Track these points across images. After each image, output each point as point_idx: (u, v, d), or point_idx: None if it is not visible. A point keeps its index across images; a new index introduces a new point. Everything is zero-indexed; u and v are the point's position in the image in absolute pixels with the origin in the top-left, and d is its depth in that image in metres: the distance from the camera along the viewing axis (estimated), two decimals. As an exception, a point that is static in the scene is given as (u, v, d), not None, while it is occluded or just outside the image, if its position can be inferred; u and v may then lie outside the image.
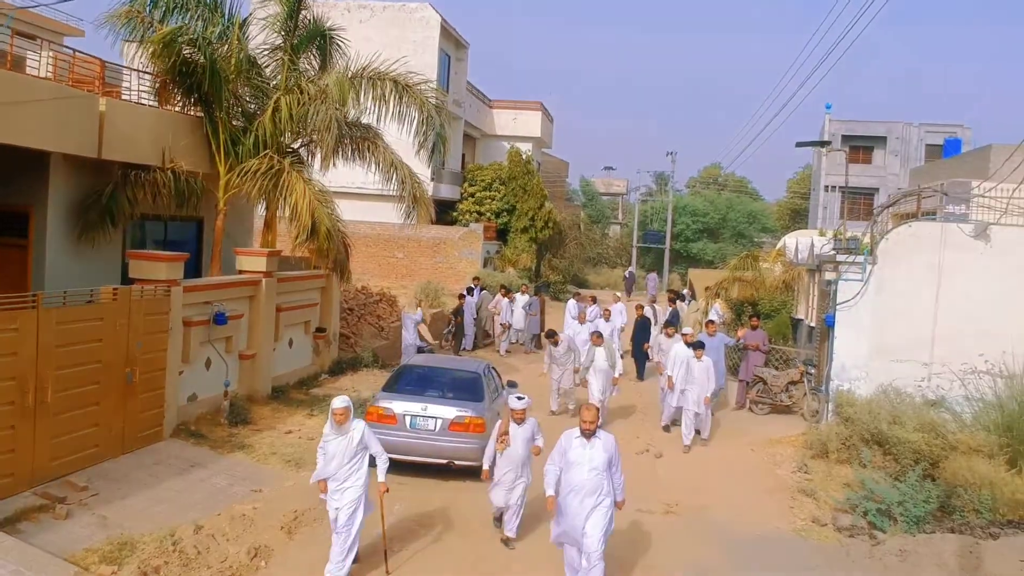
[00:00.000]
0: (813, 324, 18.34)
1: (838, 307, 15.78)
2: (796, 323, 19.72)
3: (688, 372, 15.43)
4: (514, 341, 26.88)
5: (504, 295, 25.61)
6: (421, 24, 37.63)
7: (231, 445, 13.10)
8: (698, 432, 15.58)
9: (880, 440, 14.32)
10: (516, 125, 47.05)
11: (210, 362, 14.31)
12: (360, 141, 17.22)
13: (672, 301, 24.19)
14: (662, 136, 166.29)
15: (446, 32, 38.93)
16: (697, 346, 15.53)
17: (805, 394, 16.65)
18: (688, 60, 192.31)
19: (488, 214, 39.08)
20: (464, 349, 24.98)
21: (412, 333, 20.15)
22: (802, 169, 78.64)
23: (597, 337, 16.87)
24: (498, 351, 25.16)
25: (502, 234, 39.75)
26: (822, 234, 23.31)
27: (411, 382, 13.08)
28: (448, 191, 39.30)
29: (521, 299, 26.36)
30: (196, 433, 13.28)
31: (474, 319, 25.23)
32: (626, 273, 52.85)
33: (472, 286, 27.19)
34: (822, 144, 19.61)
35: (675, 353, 15.82)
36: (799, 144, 19.29)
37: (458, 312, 24.32)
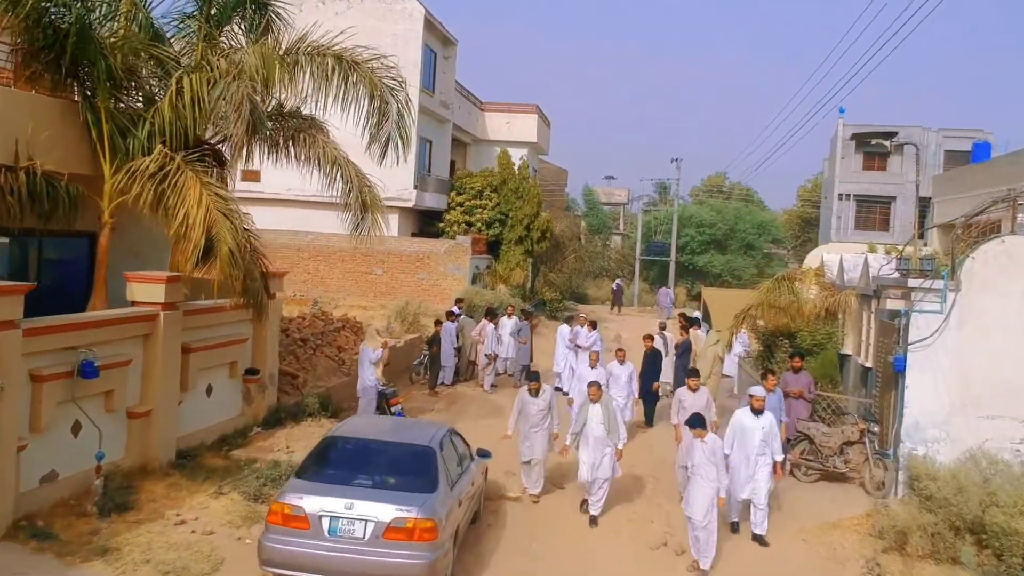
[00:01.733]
0: (868, 364, 14.69)
1: (910, 347, 12.13)
2: (842, 359, 16.09)
3: (742, 438, 11.52)
4: (500, 372, 23.22)
5: (489, 320, 21.92)
6: (403, 16, 34.05)
7: (89, 549, 9.39)
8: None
9: (975, 528, 10.69)
10: (510, 129, 43.44)
11: (79, 427, 10.65)
12: (295, 133, 13.53)
13: (684, 329, 20.50)
14: (664, 145, 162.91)
15: (431, 26, 35.38)
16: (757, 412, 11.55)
17: (867, 459, 12.93)
18: (692, 66, 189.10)
19: (479, 225, 35.47)
20: (442, 384, 21.33)
21: (371, 372, 16.49)
22: (814, 177, 75.28)
23: (595, 389, 12.34)
24: (482, 386, 21.49)
25: (494, 247, 36.13)
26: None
27: (335, 463, 9.34)
28: (433, 200, 35.70)
29: (508, 323, 22.69)
30: (43, 531, 9.58)
31: (455, 349, 21.56)
32: (613, 285, 48.88)
33: (455, 309, 23.52)
34: (886, 136, 15.57)
35: (739, 425, 11.54)
36: (856, 136, 15.55)
37: (434, 341, 20.64)
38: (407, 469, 9.24)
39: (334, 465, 9.27)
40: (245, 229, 11.81)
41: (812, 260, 19.88)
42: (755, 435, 11.37)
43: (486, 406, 19.79)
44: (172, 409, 12.38)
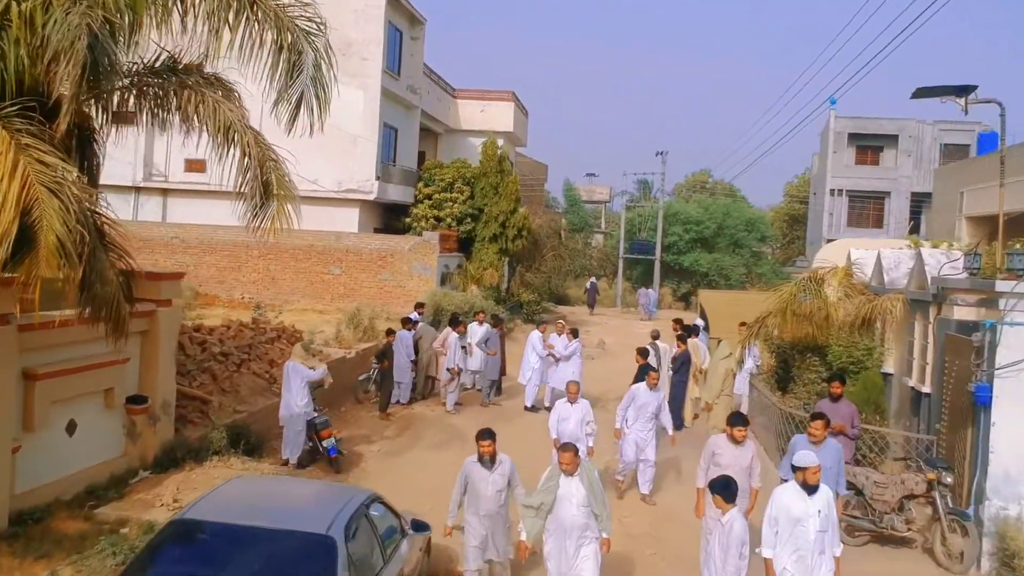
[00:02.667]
0: (924, 389, 11.65)
1: (998, 372, 9.08)
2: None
3: (790, 531, 7.60)
4: (468, 387, 20.07)
5: (453, 328, 18.72)
6: (364, -12, 30.82)
7: None
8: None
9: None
10: (484, 118, 40.19)
11: None
12: (177, 89, 10.22)
13: (681, 339, 17.41)
14: (646, 142, 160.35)
15: (397, 3, 32.14)
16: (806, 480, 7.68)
17: (938, 519, 9.80)
18: (677, 61, 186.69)
19: (449, 220, 32.26)
20: (398, 403, 18.15)
21: (302, 396, 13.28)
22: (803, 173, 72.63)
23: (571, 456, 8.13)
24: (444, 405, 18.30)
25: (466, 245, 32.95)
26: (916, 244, 16.55)
27: (179, 564, 6.16)
28: (399, 193, 32.45)
29: (477, 331, 19.52)
30: None
31: (412, 362, 18.37)
32: (587, 284, 45.75)
33: (413, 315, 20.31)
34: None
35: (784, 510, 7.61)
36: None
37: (385, 354, 17.43)
38: (292, 572, 6.05)
39: (176, 570, 6.04)
40: (92, 212, 8.55)
41: (831, 256, 16.86)
42: (809, 525, 7.50)
43: (447, 431, 16.62)
44: (4, 457, 9.12)
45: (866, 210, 57.92)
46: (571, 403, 12.22)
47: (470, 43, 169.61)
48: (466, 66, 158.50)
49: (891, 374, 12.85)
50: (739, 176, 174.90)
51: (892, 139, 56.40)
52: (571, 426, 11.92)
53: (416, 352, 18.50)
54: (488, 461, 8.60)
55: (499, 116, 40.61)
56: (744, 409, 15.99)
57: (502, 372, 19.82)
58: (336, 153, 30.49)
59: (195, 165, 30.19)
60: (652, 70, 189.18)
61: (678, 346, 17.19)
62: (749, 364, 15.51)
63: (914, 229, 55.90)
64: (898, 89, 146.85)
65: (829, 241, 55.59)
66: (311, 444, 13.29)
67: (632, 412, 12.45)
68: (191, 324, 16.52)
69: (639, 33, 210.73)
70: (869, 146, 57.47)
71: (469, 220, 32.63)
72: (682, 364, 16.54)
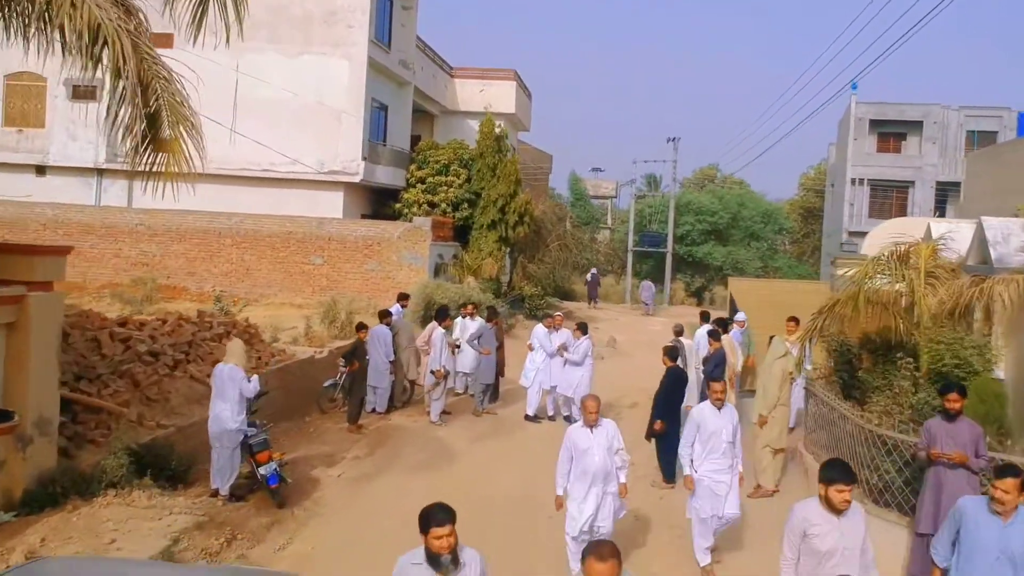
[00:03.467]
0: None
1: None
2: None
3: None
4: (460, 392, 17.15)
5: (439, 322, 15.75)
6: (349, -50, 27.87)
7: None
8: None
9: None
10: (484, 99, 36.99)
11: None
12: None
13: (714, 336, 14.39)
14: (651, 137, 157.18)
15: (385, -36, 29.28)
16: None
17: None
18: (681, 52, 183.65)
19: (444, 206, 29.31)
20: (373, 412, 15.20)
21: (238, 408, 10.31)
22: (818, 164, 69.56)
23: (594, 404, 8.12)
24: (428, 415, 15.31)
25: (462, 233, 30.01)
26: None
27: None
28: (388, 175, 29.48)
29: (469, 326, 16.58)
30: None
31: (390, 363, 15.41)
32: (588, 276, 42.52)
33: (393, 308, 17.35)
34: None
35: None
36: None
37: (354, 354, 14.45)
38: None
39: None
40: None
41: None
42: None
43: (429, 447, 13.69)
44: None
45: (888, 200, 54.84)
46: (590, 427, 8.37)
47: (469, 30, 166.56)
48: (465, 53, 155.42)
49: (1002, 380, 9.89)
50: (749, 169, 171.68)
51: (916, 125, 53.36)
52: (596, 460, 8.24)
53: (395, 351, 15.55)
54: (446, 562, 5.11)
55: (500, 96, 37.59)
56: (792, 422, 13.02)
57: (499, 374, 16.83)
58: (318, 130, 27.59)
59: (83, 92, 27.03)
60: (657, 62, 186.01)
61: (711, 344, 14.19)
62: (807, 366, 12.50)
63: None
64: (920, 74, 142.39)
65: (853, 233, 52.72)
66: (246, 471, 10.35)
67: (699, 446, 8.84)
68: (116, 316, 13.59)
69: (643, 23, 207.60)
70: (892, 133, 54.42)
71: (466, 206, 29.69)
72: (716, 366, 13.52)
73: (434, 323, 15.89)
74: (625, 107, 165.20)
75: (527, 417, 15.75)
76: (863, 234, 53.50)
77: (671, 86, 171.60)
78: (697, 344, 16.01)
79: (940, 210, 53.45)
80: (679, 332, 15.92)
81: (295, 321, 19.94)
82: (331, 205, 27.99)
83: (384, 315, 16.03)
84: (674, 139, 48.42)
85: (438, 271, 27.32)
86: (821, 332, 10.75)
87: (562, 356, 15.53)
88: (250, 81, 27.11)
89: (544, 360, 15.74)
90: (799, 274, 57.20)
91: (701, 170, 78.46)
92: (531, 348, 15.98)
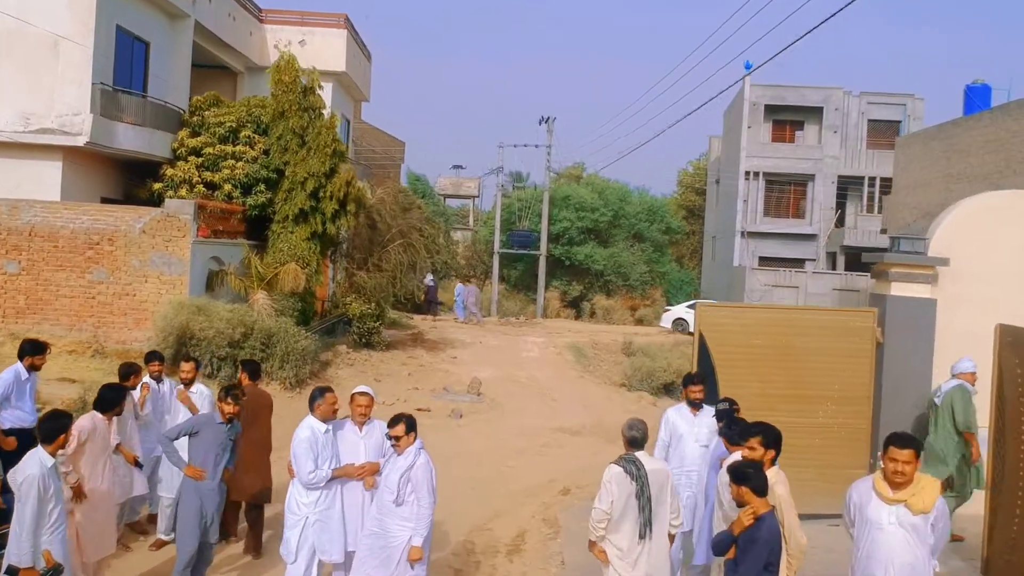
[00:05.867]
0: None
1: None
2: None
3: None
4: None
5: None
6: None
7: None
8: None
9: None
10: (305, 52, 27.47)
11: None
12: None
13: (740, 479, 5.84)
14: (518, 130, 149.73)
15: None
16: None
17: None
18: (548, 37, 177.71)
19: (228, 187, 20.01)
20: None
21: None
22: (697, 160, 63.31)
23: None
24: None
25: (258, 227, 20.81)
26: None
27: None
28: (144, 140, 19.83)
29: (200, 394, 7.72)
30: None
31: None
32: (427, 280, 33.27)
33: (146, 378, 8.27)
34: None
35: None
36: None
37: None
38: None
39: None
40: None
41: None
42: None
43: None
44: None
45: (785, 196, 48.62)
46: None
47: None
48: None
49: None
50: (621, 168, 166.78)
51: (815, 112, 47.31)
52: None
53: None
54: None
55: (326, 49, 28.43)
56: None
57: (244, 498, 7.91)
58: (22, 67, 17.86)
59: None
60: (512, 46, 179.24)
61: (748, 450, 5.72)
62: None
63: (840, 221, 47.12)
64: (808, 57, 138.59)
65: (752, 234, 45.98)
66: None
67: None
68: None
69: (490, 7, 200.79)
70: (788, 121, 48.15)
71: (263, 188, 20.46)
72: (750, 543, 5.03)
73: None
74: (487, 97, 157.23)
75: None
76: (760, 235, 47.41)
77: (541, 76, 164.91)
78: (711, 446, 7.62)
79: (841, 209, 47.60)
80: (634, 441, 7.21)
81: None
82: (44, 182, 18.21)
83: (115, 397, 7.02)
84: (547, 119, 40.33)
85: (212, 282, 18.03)
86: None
87: (369, 487, 6.93)
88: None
89: (326, 500, 6.97)
90: (683, 280, 50.31)
91: (567, 169, 70.90)
92: (291, 473, 7.11)
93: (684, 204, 60.70)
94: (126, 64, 19.95)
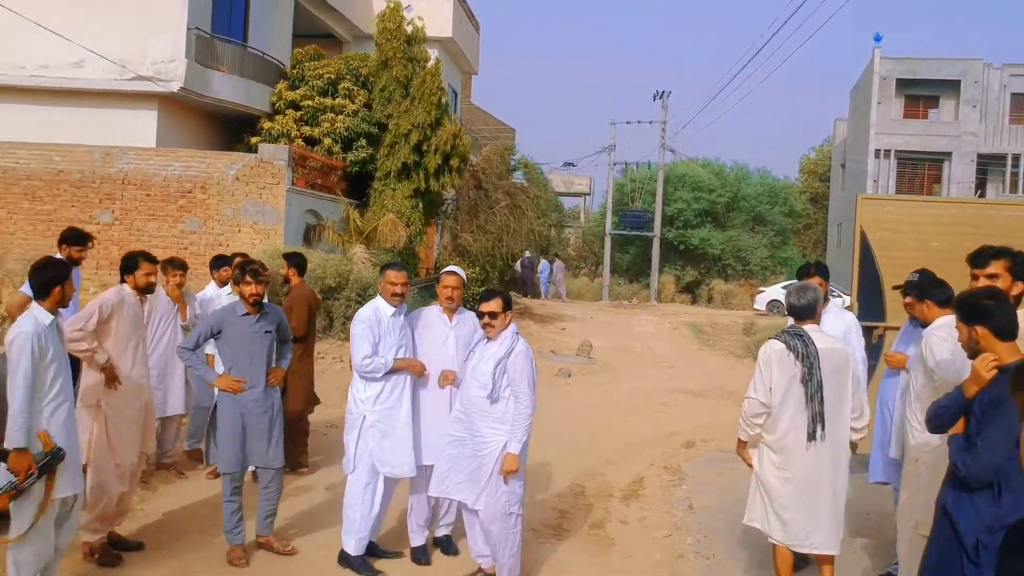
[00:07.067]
0: None
1: None
2: None
3: None
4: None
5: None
6: None
7: None
8: None
9: None
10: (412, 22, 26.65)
11: None
12: None
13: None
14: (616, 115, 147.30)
15: None
16: None
17: None
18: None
19: (328, 141, 19.11)
20: None
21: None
22: (820, 146, 59.97)
23: None
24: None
25: (360, 185, 19.86)
26: None
27: None
28: (241, 92, 19.08)
29: (214, 297, 6.51)
30: None
31: None
32: (522, 259, 30.83)
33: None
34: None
35: None
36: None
37: None
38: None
39: None
40: None
41: None
42: None
43: None
44: None
45: (919, 176, 45.29)
46: None
47: None
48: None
49: None
50: (736, 150, 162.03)
51: (951, 86, 43.72)
52: None
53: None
54: None
55: (433, 14, 27.33)
56: None
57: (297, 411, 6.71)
58: (118, 12, 17.32)
59: None
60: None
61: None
62: None
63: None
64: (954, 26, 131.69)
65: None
66: None
67: None
68: None
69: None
70: (922, 96, 44.79)
71: (365, 143, 19.46)
72: (993, 406, 3.44)
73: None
74: (597, 84, 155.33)
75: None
76: (892, 216, 44.41)
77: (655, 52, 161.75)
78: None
79: (981, 188, 44.13)
80: (800, 310, 5.53)
81: None
82: (139, 132, 17.63)
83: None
84: (662, 94, 38.35)
85: (309, 235, 17.10)
86: None
87: (444, 385, 5.61)
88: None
89: (389, 398, 5.67)
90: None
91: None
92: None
93: (806, 191, 57.58)
94: (225, 11, 19.26)
